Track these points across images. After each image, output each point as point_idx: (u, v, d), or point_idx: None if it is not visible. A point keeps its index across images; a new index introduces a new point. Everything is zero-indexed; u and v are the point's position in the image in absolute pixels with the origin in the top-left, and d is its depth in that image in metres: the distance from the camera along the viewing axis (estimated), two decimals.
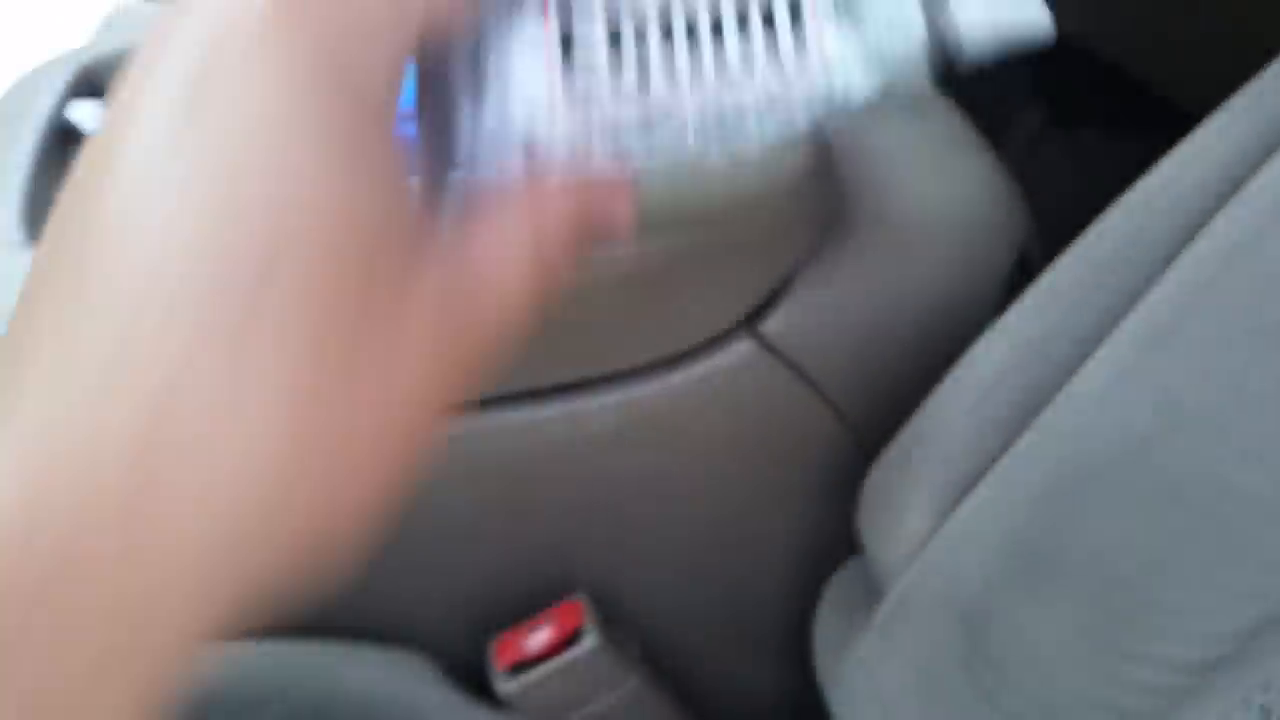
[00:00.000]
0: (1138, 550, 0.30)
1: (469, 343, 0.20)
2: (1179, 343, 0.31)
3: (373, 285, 0.18)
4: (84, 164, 0.18)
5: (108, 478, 0.15)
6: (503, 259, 0.21)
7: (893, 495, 0.41)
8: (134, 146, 0.17)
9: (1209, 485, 0.29)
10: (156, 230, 0.16)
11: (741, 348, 0.42)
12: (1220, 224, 0.32)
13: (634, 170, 0.24)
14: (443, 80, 0.24)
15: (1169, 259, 0.33)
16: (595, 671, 0.43)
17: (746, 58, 0.23)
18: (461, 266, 0.20)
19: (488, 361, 0.21)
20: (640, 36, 0.23)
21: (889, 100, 0.23)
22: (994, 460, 0.36)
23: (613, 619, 0.46)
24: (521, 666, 0.43)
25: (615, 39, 0.23)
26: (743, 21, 0.23)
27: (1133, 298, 0.33)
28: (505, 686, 0.43)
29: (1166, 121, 0.43)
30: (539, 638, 0.43)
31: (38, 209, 0.39)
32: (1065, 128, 0.81)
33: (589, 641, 0.42)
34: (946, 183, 0.47)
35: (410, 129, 0.24)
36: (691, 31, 0.23)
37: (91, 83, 0.44)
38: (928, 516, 0.39)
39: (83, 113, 0.42)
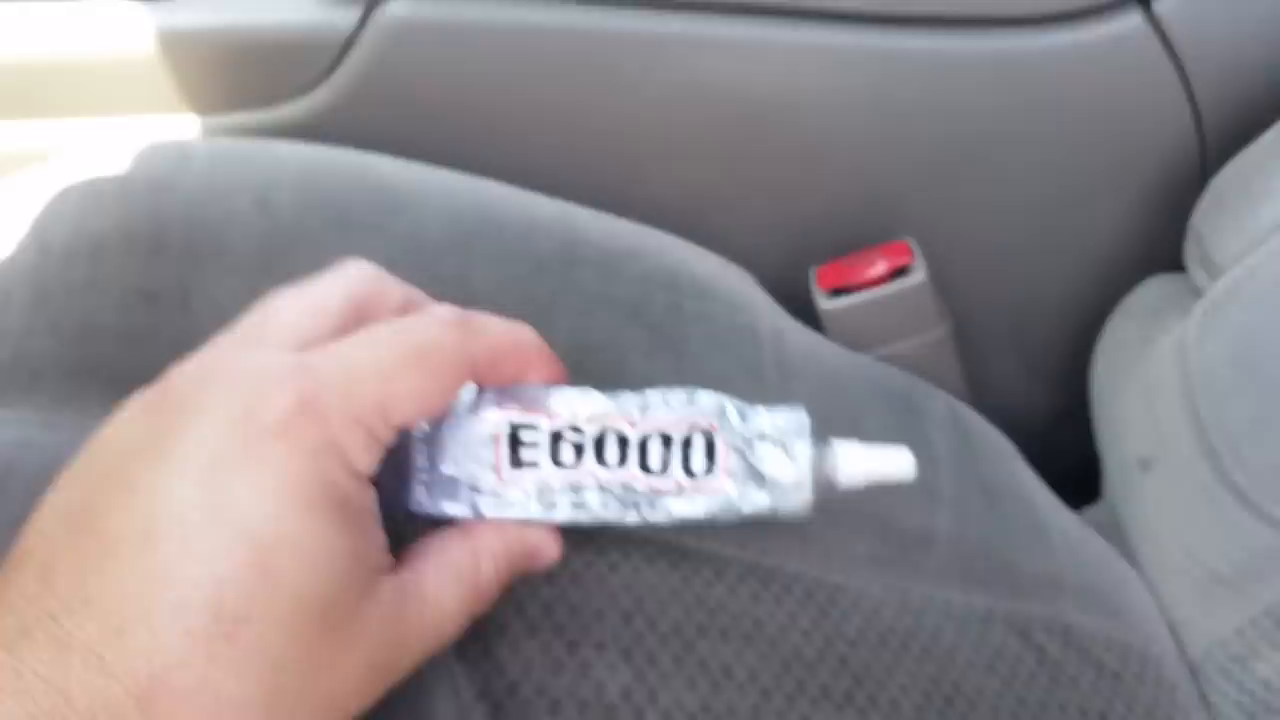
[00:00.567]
0: None
1: (403, 654, 0.25)
2: None
3: (332, 614, 0.23)
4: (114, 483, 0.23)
5: None
6: (442, 585, 0.26)
7: (1250, 184, 0.41)
8: (163, 492, 0.22)
9: None
10: (172, 554, 0.22)
11: (1130, 21, 0.42)
12: None
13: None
14: (406, 434, 0.28)
15: None
16: (915, 308, 0.46)
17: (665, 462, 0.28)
18: (407, 591, 0.25)
19: (413, 665, 0.26)
20: (576, 431, 0.28)
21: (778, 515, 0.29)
22: None
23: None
24: (844, 292, 0.47)
25: (556, 437, 0.28)
26: (668, 442, 0.28)
27: None
28: (827, 304, 0.46)
29: None
30: (868, 267, 0.46)
31: None
32: None
33: (918, 275, 0.45)
34: None
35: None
36: (624, 442, 0.28)
37: None
38: None
39: None
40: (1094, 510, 0.48)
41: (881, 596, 0.36)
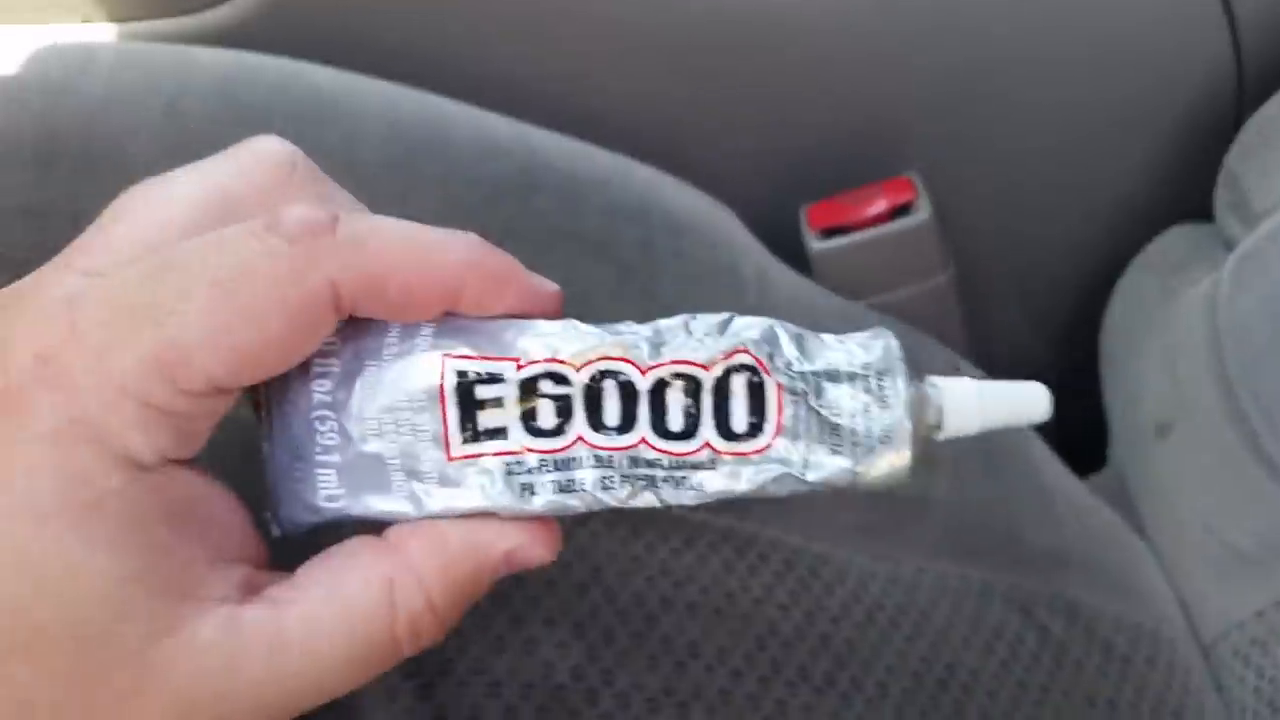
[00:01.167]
0: None
1: (241, 716, 0.19)
2: None
3: (99, 653, 0.18)
4: None
5: None
6: (320, 626, 0.19)
7: None
8: None
9: None
10: None
11: None
12: None
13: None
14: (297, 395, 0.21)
15: None
16: (916, 251, 0.43)
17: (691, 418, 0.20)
18: (252, 632, 0.19)
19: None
20: (559, 381, 0.20)
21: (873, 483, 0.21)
22: None
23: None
24: (837, 232, 0.43)
25: (529, 389, 0.20)
26: (695, 391, 0.20)
27: None
28: (818, 246, 0.43)
29: None
30: (866, 205, 0.42)
31: None
32: None
33: (921, 214, 0.42)
34: None
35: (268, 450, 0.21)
36: (630, 394, 0.20)
37: None
38: None
39: None
40: (1098, 479, 0.47)
41: (869, 568, 0.33)
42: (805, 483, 0.21)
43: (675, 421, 0.20)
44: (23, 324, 0.19)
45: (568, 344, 0.20)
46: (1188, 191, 0.45)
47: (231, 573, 0.20)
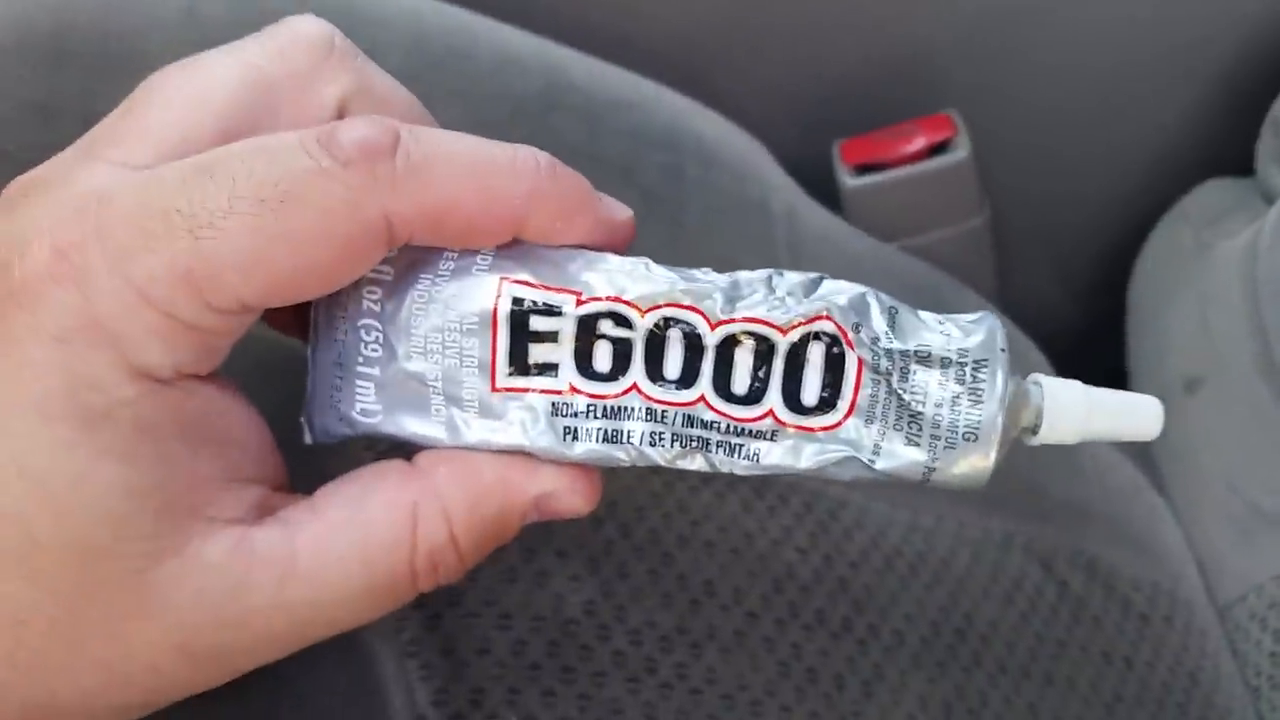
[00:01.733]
0: None
1: (247, 642, 0.18)
2: None
3: (98, 568, 0.17)
4: None
5: None
6: (332, 554, 0.18)
7: None
8: None
9: None
10: None
11: None
12: None
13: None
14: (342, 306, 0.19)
15: None
16: (954, 191, 0.41)
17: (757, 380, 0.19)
18: (262, 556, 0.18)
19: (272, 658, 0.19)
20: (621, 323, 0.19)
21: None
22: None
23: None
24: (871, 169, 0.42)
25: (587, 327, 0.19)
26: (767, 353, 0.19)
27: None
28: (851, 183, 0.42)
29: None
30: (904, 142, 0.41)
31: None
32: None
33: (960, 152, 0.40)
34: None
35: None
36: (695, 347, 0.19)
37: None
38: None
39: None
40: None
41: (889, 515, 0.32)
42: (872, 470, 0.19)
43: (740, 384, 0.19)
44: (45, 214, 0.17)
45: (636, 284, 0.19)
46: (1225, 144, 0.44)
47: (246, 493, 0.19)
